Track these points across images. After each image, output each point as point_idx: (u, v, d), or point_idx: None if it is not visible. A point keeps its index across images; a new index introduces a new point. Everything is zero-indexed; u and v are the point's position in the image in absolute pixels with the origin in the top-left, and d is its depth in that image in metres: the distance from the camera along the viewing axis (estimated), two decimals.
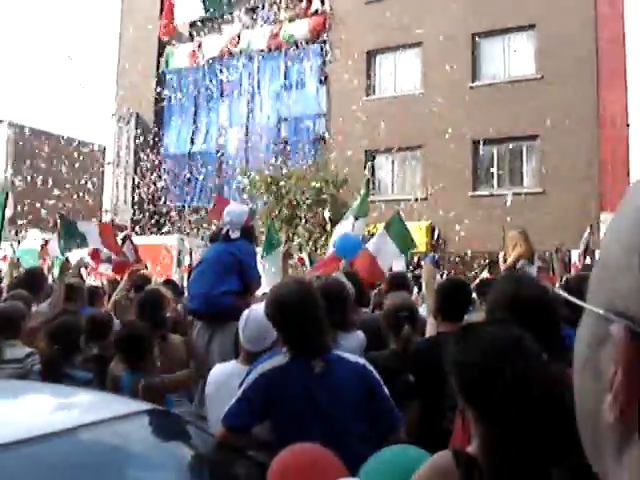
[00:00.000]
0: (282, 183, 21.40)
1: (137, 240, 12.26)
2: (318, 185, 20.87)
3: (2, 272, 11.75)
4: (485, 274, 11.34)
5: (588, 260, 10.66)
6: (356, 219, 8.97)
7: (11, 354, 4.72)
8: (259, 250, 8.13)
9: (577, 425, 0.70)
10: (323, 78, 24.90)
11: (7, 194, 9.84)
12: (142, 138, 27.15)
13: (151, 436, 3.34)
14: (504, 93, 20.85)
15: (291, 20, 25.58)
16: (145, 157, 26.57)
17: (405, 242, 8.90)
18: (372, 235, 9.81)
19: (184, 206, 25.81)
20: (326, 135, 24.10)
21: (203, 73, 27.24)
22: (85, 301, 6.63)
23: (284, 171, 22.51)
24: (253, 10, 26.54)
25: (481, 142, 21.03)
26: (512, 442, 1.84)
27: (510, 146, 21.18)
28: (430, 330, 4.56)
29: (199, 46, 27.46)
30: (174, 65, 27.97)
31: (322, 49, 24.88)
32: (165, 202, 26.21)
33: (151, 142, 27.05)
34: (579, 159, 19.28)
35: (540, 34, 20.81)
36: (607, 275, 0.66)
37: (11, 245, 14.04)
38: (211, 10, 26.83)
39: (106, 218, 27.00)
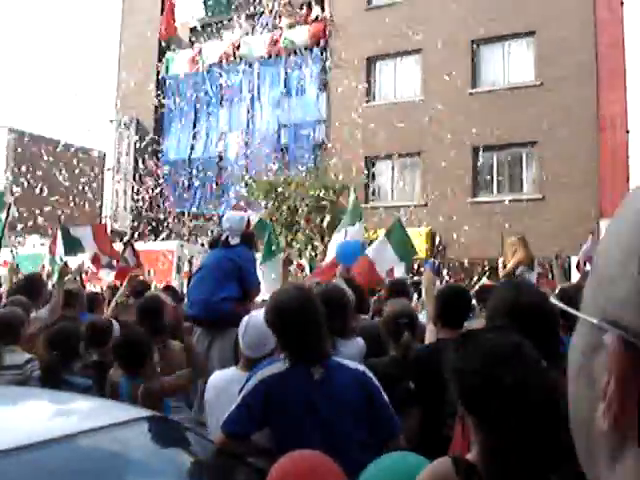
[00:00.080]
0: (280, 189, 21.39)
1: (137, 246, 12.27)
2: (317, 192, 20.86)
3: (2, 278, 11.74)
4: (484, 281, 11.34)
5: (589, 267, 10.60)
6: (352, 225, 9.03)
7: (10, 360, 4.71)
8: (258, 256, 8.13)
9: (571, 432, 0.70)
10: (323, 84, 24.94)
11: (10, 204, 9.86)
12: (142, 144, 27.16)
13: (150, 443, 3.34)
14: (504, 99, 20.88)
15: (291, 27, 25.63)
16: (145, 163, 26.58)
17: (406, 248, 8.93)
18: (372, 241, 9.85)
19: (184, 212, 25.81)
20: (326, 141, 24.13)
21: (203, 79, 27.26)
22: (85, 307, 6.63)
23: (283, 177, 22.51)
24: (253, 17, 26.61)
25: (481, 148, 21.07)
26: (512, 449, 1.84)
27: (510, 152, 21.21)
28: (430, 337, 4.56)
29: (199, 52, 27.49)
30: (174, 71, 27.97)
31: (322, 55, 24.93)
32: (165, 208, 26.21)
33: (151, 148, 27.07)
34: (579, 165, 19.30)
35: (539, 41, 20.86)
36: (601, 283, 0.66)
37: (11, 251, 14.02)
38: (213, 11, 26.84)
39: (105, 224, 27.01)
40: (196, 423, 4.34)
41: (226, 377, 3.77)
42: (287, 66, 25.59)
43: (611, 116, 19.65)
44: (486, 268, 14.96)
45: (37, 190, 26.79)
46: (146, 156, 26.82)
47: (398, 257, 8.61)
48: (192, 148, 27.28)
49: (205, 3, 27.23)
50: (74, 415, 3.31)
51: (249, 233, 6.19)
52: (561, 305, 0.74)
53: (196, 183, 26.55)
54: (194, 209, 26.02)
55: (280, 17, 26.23)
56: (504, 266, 9.45)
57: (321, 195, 20.43)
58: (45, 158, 29.70)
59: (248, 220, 6.32)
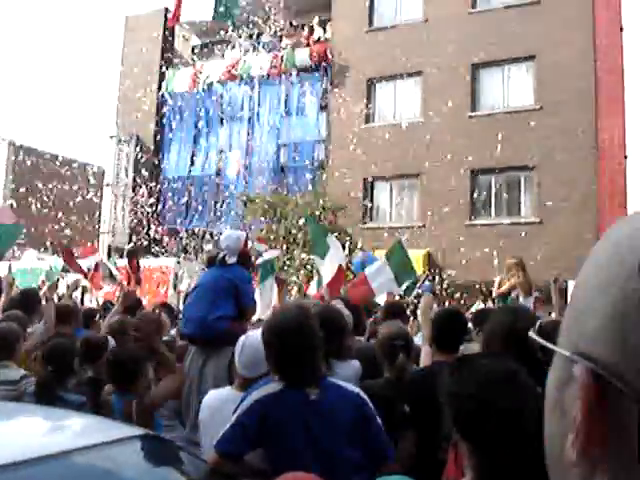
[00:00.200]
0: (279, 209, 21.42)
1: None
2: (316, 212, 20.87)
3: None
4: (478, 305, 11.37)
5: None
6: (323, 258, 9.05)
7: (4, 376, 4.68)
8: (256, 278, 8.13)
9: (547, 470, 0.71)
10: (323, 105, 25.05)
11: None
12: (142, 160, 27.20)
13: (143, 461, 3.31)
14: (503, 123, 20.95)
15: (293, 47, 25.75)
16: (144, 180, 26.59)
17: (405, 270, 8.96)
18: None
19: (183, 229, 25.80)
20: (325, 162, 24.19)
21: (203, 97, 27.35)
22: (80, 323, 6.61)
23: (281, 196, 22.54)
24: (255, 36, 26.72)
25: (479, 171, 21.13)
26: (506, 474, 1.84)
27: (508, 176, 21.25)
28: (425, 359, 4.56)
29: (200, 70, 27.59)
30: (175, 88, 28.03)
31: (323, 76, 25.05)
32: (163, 225, 26.20)
33: (150, 165, 27.11)
34: (577, 190, 19.35)
35: (539, 65, 20.99)
36: (575, 317, 0.67)
37: (9, 267, 13.98)
38: (220, 10, 26.52)
39: (104, 240, 27.02)
40: (189, 442, 4.32)
41: (221, 397, 3.76)
42: (287, 86, 25.69)
43: (609, 141, 19.74)
44: (482, 291, 14.91)
45: (37, 205, 26.81)
46: (145, 173, 26.83)
47: (396, 280, 8.62)
48: (191, 165, 27.34)
49: (216, 10, 27.01)
50: (67, 432, 3.29)
51: (246, 252, 6.19)
52: (539, 339, 0.74)
53: (194, 201, 26.57)
54: (191, 226, 26.00)
55: (282, 38, 26.39)
56: (500, 285, 9.49)
57: (319, 215, 20.44)
58: (44, 172, 29.72)
59: (245, 239, 6.32)
